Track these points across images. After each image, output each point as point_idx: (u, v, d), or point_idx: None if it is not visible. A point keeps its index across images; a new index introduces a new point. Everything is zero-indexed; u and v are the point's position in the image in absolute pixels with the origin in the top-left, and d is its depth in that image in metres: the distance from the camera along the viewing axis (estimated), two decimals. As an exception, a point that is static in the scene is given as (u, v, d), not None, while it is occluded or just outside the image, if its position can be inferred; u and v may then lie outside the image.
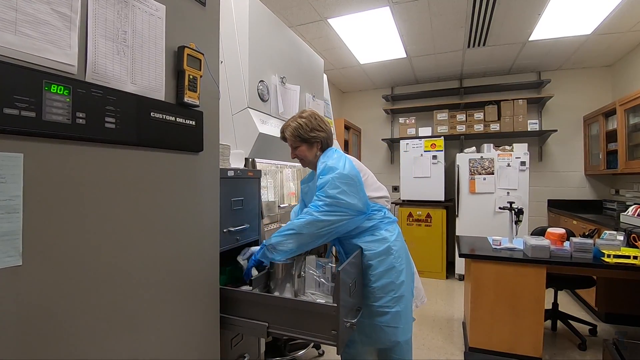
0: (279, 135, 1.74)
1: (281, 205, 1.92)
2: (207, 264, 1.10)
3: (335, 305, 1.03)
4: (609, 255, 2.15)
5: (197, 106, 1.02)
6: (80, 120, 0.73)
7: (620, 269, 2.12)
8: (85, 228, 0.74)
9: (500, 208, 2.58)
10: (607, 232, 2.48)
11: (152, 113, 0.89)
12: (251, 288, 1.24)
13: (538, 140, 4.59)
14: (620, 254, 2.14)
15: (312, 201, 1.33)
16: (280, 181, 2.72)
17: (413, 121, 4.75)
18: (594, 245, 2.24)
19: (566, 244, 2.37)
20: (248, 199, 1.46)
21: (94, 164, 0.76)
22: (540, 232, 2.95)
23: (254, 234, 1.51)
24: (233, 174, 1.35)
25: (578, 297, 3.46)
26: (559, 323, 2.80)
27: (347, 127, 4.69)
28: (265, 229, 1.77)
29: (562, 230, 2.41)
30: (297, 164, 2.82)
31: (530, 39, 3.58)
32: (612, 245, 2.21)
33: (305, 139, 1.45)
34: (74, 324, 0.71)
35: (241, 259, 1.39)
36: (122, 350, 0.81)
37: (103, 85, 0.78)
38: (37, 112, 0.65)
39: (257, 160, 1.68)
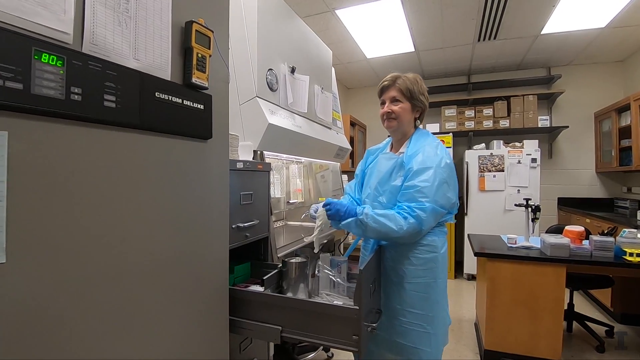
0: (288, 127, 1.66)
1: (291, 201, 1.83)
2: (215, 262, 1.01)
3: (357, 307, 0.94)
4: (631, 254, 2.06)
5: (206, 88, 0.93)
6: (76, 97, 0.63)
7: (643, 268, 2.02)
8: (78, 221, 0.64)
9: (516, 205, 2.48)
10: (627, 230, 2.39)
11: (156, 93, 0.79)
12: (262, 288, 1.15)
13: (548, 137, 4.49)
14: (645, 252, 2.05)
15: (403, 189, 1.19)
16: (286, 177, 2.63)
17: (420, 117, 4.64)
18: (615, 243, 2.15)
19: (585, 242, 2.28)
20: (257, 194, 1.37)
21: (90, 147, 0.67)
22: (555, 230, 2.86)
23: (263, 230, 1.42)
24: (242, 166, 1.26)
25: (591, 297, 3.36)
26: (574, 324, 2.71)
27: (352, 124, 4.59)
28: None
29: (580, 228, 2.31)
30: (303, 159, 2.73)
31: (542, 32, 3.47)
32: (634, 244, 2.12)
33: (413, 98, 1.30)
34: (67, 328, 0.62)
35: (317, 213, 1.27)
36: (120, 356, 0.72)
37: (102, 59, 0.69)
38: (24, 84, 0.56)
39: (265, 153, 1.59)
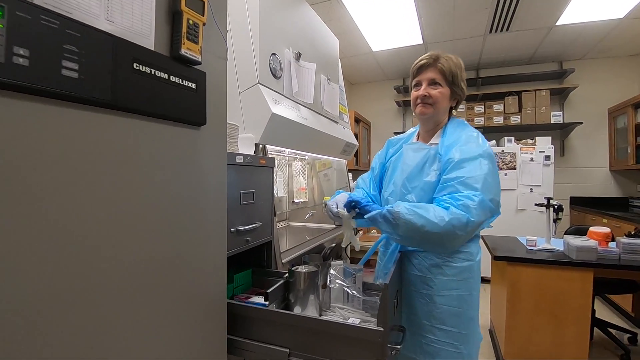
0: (293, 118, 1.49)
1: (295, 201, 1.66)
2: (211, 271, 0.85)
3: (382, 329, 0.78)
4: (665, 258, 1.89)
5: (199, 63, 0.77)
6: (21, 60, 0.47)
7: (678, 273, 1.86)
8: (27, 224, 0.48)
9: (536, 204, 2.31)
10: (655, 231, 2.23)
11: (135, 65, 0.63)
12: (264, 300, 0.99)
13: (560, 133, 4.33)
14: (678, 256, 1.89)
15: (440, 184, 1.02)
16: (289, 175, 2.47)
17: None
18: (645, 246, 1.99)
19: (611, 244, 2.12)
20: (260, 192, 1.21)
21: (42, 128, 0.50)
22: (575, 231, 2.70)
23: (266, 234, 1.26)
24: (242, 160, 1.10)
25: (609, 301, 3.20)
26: (595, 331, 2.55)
27: (357, 120, 4.43)
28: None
29: (606, 230, 2.15)
30: (307, 156, 2.57)
31: (557, 23, 3.31)
32: (666, 247, 1.96)
33: (454, 84, 1.14)
34: (29, 347, 0.46)
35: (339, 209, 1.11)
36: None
37: (61, 14, 0.52)
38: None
39: (268, 147, 1.43)
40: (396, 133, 4.85)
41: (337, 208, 1.11)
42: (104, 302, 0.58)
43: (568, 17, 3.21)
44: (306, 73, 1.71)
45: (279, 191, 2.25)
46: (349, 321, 0.94)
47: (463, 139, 1.07)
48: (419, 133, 1.27)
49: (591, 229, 2.20)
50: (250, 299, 1.17)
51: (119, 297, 0.61)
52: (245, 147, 1.28)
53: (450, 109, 1.20)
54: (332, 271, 1.09)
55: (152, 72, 0.66)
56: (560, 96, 4.31)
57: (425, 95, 1.13)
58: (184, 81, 0.73)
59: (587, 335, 1.96)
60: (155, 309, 0.69)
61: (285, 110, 1.45)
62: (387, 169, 1.28)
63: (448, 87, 1.14)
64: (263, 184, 1.24)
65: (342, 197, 1.16)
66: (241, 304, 0.94)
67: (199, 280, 0.80)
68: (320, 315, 1.05)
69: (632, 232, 2.27)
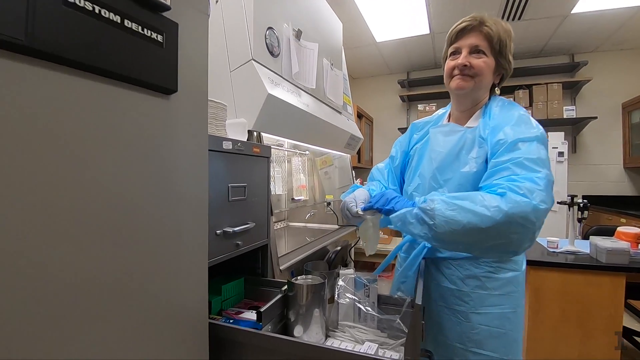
0: (293, 102, 1.30)
1: (295, 198, 1.47)
2: (187, 284, 0.65)
3: (411, 362, 0.58)
4: None
5: (168, 9, 0.57)
6: None
7: None
8: None
9: (558, 202, 2.12)
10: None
11: (67, -4, 0.43)
12: (260, 324, 0.79)
13: (572, 129, 4.14)
14: None
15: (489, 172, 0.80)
16: (287, 172, 2.27)
17: (434, 108, 4.28)
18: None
19: (643, 246, 1.93)
20: (253, 187, 1.02)
21: None
22: (596, 232, 2.50)
23: (261, 236, 1.06)
24: (231, 147, 0.90)
25: (629, 306, 3.01)
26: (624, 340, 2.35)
27: (359, 115, 4.24)
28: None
29: (637, 230, 1.96)
30: (307, 151, 2.37)
31: (573, 11, 3.12)
32: None
33: (501, 54, 0.93)
34: None
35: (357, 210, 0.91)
36: None
37: None
38: None
39: (264, 135, 1.24)
40: (400, 129, 4.66)
41: (357, 207, 0.91)
42: (23, 340, 0.39)
43: (585, 4, 3.02)
44: (307, 54, 1.52)
45: (277, 188, 2.06)
46: (364, 347, 0.74)
47: (515, 119, 0.86)
48: (449, 114, 1.07)
49: (619, 229, 2.01)
50: (241, 315, 0.97)
51: (68, 319, 0.41)
52: (236, 134, 1.09)
53: (492, 87, 0.99)
54: (340, 282, 0.90)
55: (96, 10, 0.47)
56: (572, 90, 4.12)
57: (466, 65, 0.92)
58: (145, 30, 0.54)
59: (618, 350, 1.76)
60: (113, 333, 0.49)
61: (283, 93, 1.26)
62: (412, 159, 1.07)
63: (493, 58, 0.93)
64: (257, 177, 1.05)
65: (362, 194, 0.95)
66: (227, 326, 0.74)
67: (170, 295, 0.61)
68: (327, 336, 0.86)
69: (664, 233, 2.07)
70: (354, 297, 0.88)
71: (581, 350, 1.79)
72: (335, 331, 0.88)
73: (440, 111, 1.12)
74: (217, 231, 0.85)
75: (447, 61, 0.99)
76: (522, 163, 0.76)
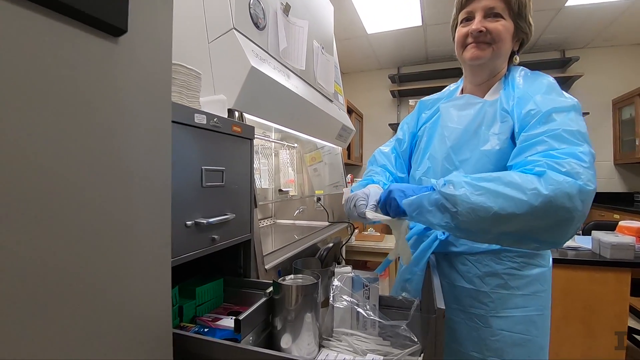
0: (280, 81, 1.16)
1: (283, 189, 1.34)
2: (143, 286, 0.51)
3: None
4: None
5: None
6: None
7: None
8: None
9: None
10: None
11: None
12: (239, 335, 0.65)
13: (563, 125, 4.10)
14: None
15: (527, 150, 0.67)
16: (274, 166, 2.12)
17: (424, 103, 4.19)
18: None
19: (644, 241, 1.86)
20: (233, 172, 0.87)
21: None
22: (594, 227, 2.44)
23: (243, 230, 0.92)
24: (205, 122, 0.76)
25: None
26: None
27: (349, 111, 4.11)
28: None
29: (639, 224, 1.89)
30: (299, 139, 2.23)
31: (567, 3, 3.06)
32: None
33: (520, 17, 0.81)
34: None
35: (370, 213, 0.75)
36: None
37: None
38: None
39: (248, 116, 1.09)
40: (391, 125, 4.56)
41: (367, 207, 0.76)
42: None
43: (579, -3, 2.96)
44: (297, 31, 1.38)
45: (263, 182, 1.91)
46: (366, 361, 0.61)
47: (545, 87, 0.74)
48: (462, 90, 0.94)
49: (621, 223, 1.93)
50: (219, 322, 0.83)
51: None
52: (214, 112, 0.94)
53: (511, 55, 0.87)
54: (336, 282, 0.76)
55: None
56: (563, 86, 4.08)
57: (482, 31, 0.79)
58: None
59: (623, 349, 1.68)
60: (51, 344, 0.34)
61: (270, 70, 1.12)
62: (420, 140, 0.94)
63: (512, 21, 0.80)
64: (238, 162, 0.90)
65: (374, 190, 0.80)
66: (196, 338, 0.60)
67: (118, 304, 0.46)
68: (321, 346, 0.72)
69: (666, 227, 2.01)
70: (352, 299, 0.74)
71: (585, 350, 1.71)
72: (330, 340, 0.74)
73: (452, 86, 0.99)
74: (187, 222, 0.70)
75: (457, 29, 0.86)
76: (560, 135, 0.64)
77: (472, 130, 0.80)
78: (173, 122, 0.66)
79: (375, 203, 0.76)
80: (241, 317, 0.61)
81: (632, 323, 2.60)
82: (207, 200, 0.77)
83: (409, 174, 0.98)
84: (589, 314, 1.70)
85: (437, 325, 0.45)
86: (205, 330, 0.80)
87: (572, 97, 0.72)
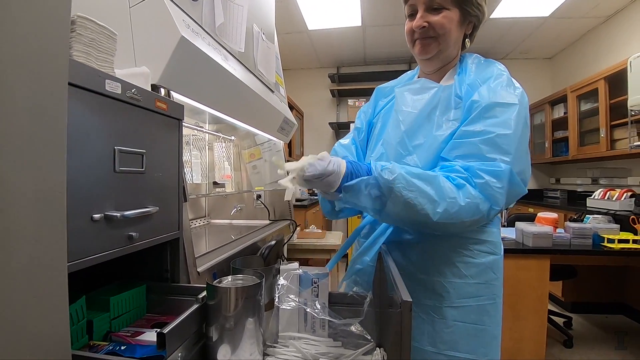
0: (216, 58, 1.03)
1: (218, 182, 1.21)
2: (29, 299, 0.37)
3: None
4: (611, 240, 1.86)
5: None
6: None
7: (624, 255, 1.84)
8: None
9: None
10: (590, 216, 2.26)
11: None
12: (164, 352, 0.52)
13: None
14: (622, 238, 1.87)
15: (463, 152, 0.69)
16: (209, 160, 1.95)
17: (364, 103, 4.28)
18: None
19: (559, 230, 2.06)
20: (156, 157, 0.73)
21: None
22: (515, 219, 2.66)
23: (169, 227, 0.78)
24: (119, 92, 0.62)
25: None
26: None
27: (290, 107, 4.03)
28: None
29: (554, 215, 2.09)
30: (236, 131, 2.08)
31: (492, 15, 3.33)
32: (610, 230, 1.94)
33: (465, 2, 0.77)
34: None
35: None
36: None
37: None
38: None
39: (176, 95, 0.95)
40: (331, 124, 4.58)
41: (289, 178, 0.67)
42: None
43: (503, 10, 3.24)
44: (235, 10, 1.26)
45: (195, 176, 1.74)
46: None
47: (495, 76, 0.74)
48: (419, 76, 0.91)
49: (540, 214, 2.13)
50: (139, 337, 0.69)
51: None
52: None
53: (464, 39, 0.85)
54: (281, 280, 0.67)
55: None
56: (486, 92, 4.47)
57: (424, 27, 0.77)
58: None
59: (544, 328, 1.84)
60: None
61: (204, 45, 0.98)
62: (374, 127, 0.90)
63: (456, 8, 0.77)
64: (162, 145, 0.76)
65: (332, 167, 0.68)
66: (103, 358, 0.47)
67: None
68: (265, 354, 0.62)
69: (575, 217, 2.27)
70: (300, 301, 0.66)
71: (512, 333, 1.82)
72: (275, 346, 0.65)
73: (409, 73, 0.96)
74: (95, 215, 0.56)
75: (405, 23, 0.84)
76: (492, 141, 0.67)
77: (425, 114, 0.78)
78: (72, 85, 0.52)
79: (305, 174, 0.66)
80: (166, 330, 0.48)
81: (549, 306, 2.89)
82: (121, 189, 0.63)
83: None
84: (515, 298, 1.83)
85: (403, 320, 0.39)
86: (122, 348, 0.65)
87: (519, 87, 0.73)
